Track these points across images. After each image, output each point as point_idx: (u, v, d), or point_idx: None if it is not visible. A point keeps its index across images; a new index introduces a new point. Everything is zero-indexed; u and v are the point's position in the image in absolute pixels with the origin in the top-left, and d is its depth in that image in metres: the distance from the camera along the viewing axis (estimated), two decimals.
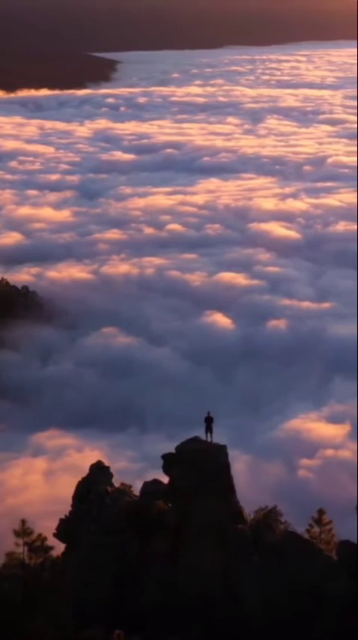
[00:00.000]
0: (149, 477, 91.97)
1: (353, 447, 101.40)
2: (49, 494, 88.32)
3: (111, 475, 49.43)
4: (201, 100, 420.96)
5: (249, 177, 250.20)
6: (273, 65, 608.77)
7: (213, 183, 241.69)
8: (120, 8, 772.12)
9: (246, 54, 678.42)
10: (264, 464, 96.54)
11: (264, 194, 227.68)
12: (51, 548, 42.81)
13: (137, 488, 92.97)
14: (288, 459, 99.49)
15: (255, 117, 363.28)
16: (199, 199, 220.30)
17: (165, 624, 40.06)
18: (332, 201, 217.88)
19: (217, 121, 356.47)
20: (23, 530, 42.06)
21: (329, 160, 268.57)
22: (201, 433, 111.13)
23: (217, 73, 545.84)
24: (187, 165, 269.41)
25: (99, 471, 49.24)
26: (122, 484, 49.58)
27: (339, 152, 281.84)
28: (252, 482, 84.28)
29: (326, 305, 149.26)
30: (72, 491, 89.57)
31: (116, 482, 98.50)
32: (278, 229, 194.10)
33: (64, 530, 45.82)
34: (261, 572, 43.56)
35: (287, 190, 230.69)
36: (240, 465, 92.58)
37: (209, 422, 49.13)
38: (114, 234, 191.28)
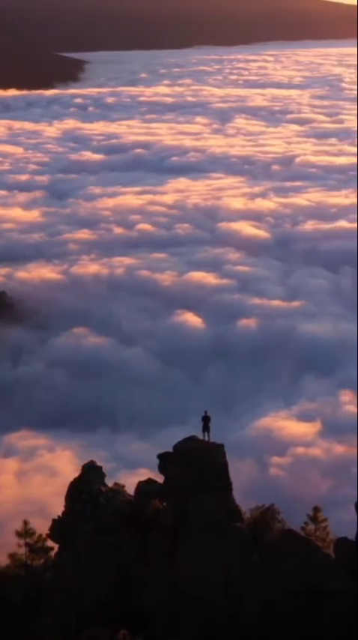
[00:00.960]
0: (121, 477, 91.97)
1: (324, 444, 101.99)
2: (21, 494, 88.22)
3: (103, 475, 49.23)
4: (169, 99, 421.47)
5: (217, 177, 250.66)
6: (241, 65, 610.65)
7: (182, 182, 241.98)
8: (88, 8, 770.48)
9: (213, 54, 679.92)
10: (235, 462, 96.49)
11: (232, 193, 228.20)
12: (51, 549, 42.69)
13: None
14: (260, 457, 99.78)
15: (223, 116, 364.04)
16: (168, 199, 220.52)
17: (164, 624, 39.96)
18: (300, 200, 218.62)
19: (186, 120, 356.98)
20: (25, 531, 41.91)
21: (298, 160, 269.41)
22: (173, 432, 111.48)
23: (185, 73, 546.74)
24: (156, 165, 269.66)
25: (91, 471, 48.95)
26: (115, 484, 49.42)
27: (307, 151, 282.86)
28: None
29: (296, 304, 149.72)
30: (44, 492, 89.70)
31: None
32: (247, 228, 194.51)
33: (57, 530, 45.52)
34: (261, 570, 43.49)
35: (256, 190, 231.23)
36: None
37: (206, 421, 49.05)
38: (83, 234, 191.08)
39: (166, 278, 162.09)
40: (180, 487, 45.71)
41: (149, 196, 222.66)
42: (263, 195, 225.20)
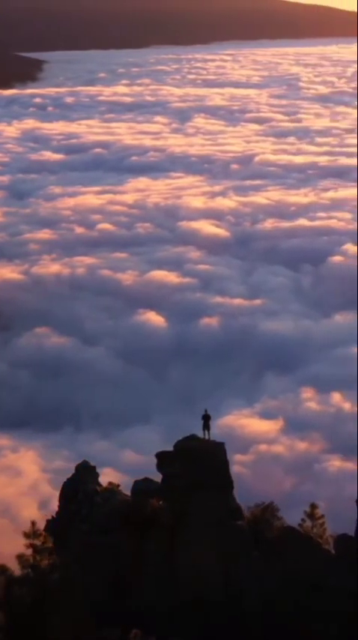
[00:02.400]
0: None
1: (286, 441, 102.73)
2: None
3: (97, 475, 49.09)
4: (128, 99, 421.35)
5: (177, 176, 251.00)
6: (199, 64, 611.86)
7: (142, 182, 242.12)
8: (45, 8, 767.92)
9: (171, 53, 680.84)
10: None
11: (192, 192, 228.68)
12: (54, 549, 42.39)
13: None
14: None
15: (182, 116, 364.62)
16: (129, 198, 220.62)
17: (164, 624, 39.85)
18: (260, 199, 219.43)
19: (145, 120, 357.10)
20: (33, 532, 41.75)
21: (257, 159, 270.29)
22: (136, 431, 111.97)
23: (144, 73, 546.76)
24: (116, 165, 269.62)
25: (84, 471, 48.77)
26: (110, 483, 49.19)
27: (266, 150, 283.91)
28: None
29: (257, 302, 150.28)
30: (8, 492, 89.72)
31: (55, 481, 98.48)
32: (207, 227, 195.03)
33: (52, 530, 45.09)
34: (262, 568, 43.39)
35: (216, 189, 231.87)
36: None
37: (206, 419, 49.01)
38: (44, 234, 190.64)
39: (128, 277, 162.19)
40: (181, 486, 45.49)
41: (109, 196, 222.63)
42: (223, 194, 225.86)
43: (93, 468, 48.90)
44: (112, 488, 48.35)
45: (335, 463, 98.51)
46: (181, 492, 45.26)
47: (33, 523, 42.07)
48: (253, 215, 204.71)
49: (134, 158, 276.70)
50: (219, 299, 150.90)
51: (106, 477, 53.29)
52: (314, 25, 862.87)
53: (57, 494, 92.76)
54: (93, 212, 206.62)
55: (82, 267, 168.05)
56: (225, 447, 47.16)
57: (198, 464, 45.82)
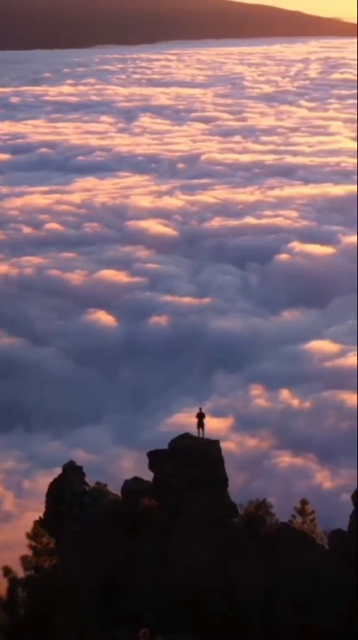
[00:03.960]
0: (37, 476, 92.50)
1: (236, 438, 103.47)
2: None
3: (83, 474, 48.82)
4: (73, 99, 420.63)
5: (124, 176, 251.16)
6: (144, 64, 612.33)
7: (89, 181, 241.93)
8: None
9: (116, 53, 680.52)
10: None
11: (140, 192, 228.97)
12: (51, 550, 42.22)
13: (26, 487, 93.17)
14: None
15: (128, 115, 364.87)
16: (76, 198, 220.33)
17: (162, 622, 39.73)
18: (207, 197, 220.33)
19: (91, 119, 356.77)
20: (36, 534, 41.58)
21: (203, 158, 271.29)
22: (88, 430, 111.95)
23: (89, 73, 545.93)
24: (62, 165, 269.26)
25: (71, 471, 48.40)
26: (97, 483, 48.98)
27: (212, 149, 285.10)
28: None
29: (206, 300, 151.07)
30: None
31: (7, 482, 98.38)
32: (155, 226, 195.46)
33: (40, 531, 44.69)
34: (259, 565, 43.43)
35: (163, 188, 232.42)
36: (127, 462, 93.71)
37: (200, 417, 49.07)
38: None
39: (77, 277, 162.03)
40: (176, 484, 45.41)
41: (56, 196, 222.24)
42: (170, 193, 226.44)
43: (80, 468, 48.44)
44: (100, 488, 48.12)
45: (285, 459, 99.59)
46: (176, 491, 45.14)
47: (36, 524, 41.99)
48: (200, 214, 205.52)
49: (80, 158, 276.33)
50: (168, 298, 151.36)
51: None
52: (258, 25, 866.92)
53: (9, 494, 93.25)
54: (40, 212, 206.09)
55: (30, 268, 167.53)
56: (219, 445, 47.22)
57: (194, 462, 45.76)
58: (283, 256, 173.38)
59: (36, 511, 48.72)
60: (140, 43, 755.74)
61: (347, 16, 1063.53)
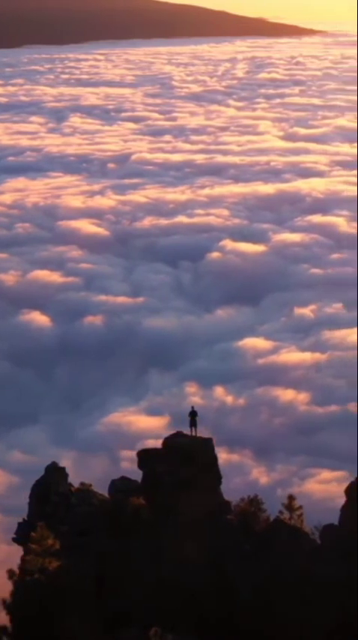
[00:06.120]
0: None
1: None
2: None
3: (67, 475, 48.32)
4: (2, 99, 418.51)
5: (55, 176, 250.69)
6: (72, 64, 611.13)
7: (20, 182, 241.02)
8: None
9: (44, 53, 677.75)
10: (88, 458, 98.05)
11: (71, 192, 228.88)
12: (56, 552, 41.92)
13: None
14: (111, 451, 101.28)
15: (58, 115, 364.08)
16: (7, 198, 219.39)
17: (160, 621, 39.63)
18: (138, 197, 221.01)
19: (21, 120, 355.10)
20: (41, 535, 41.24)
21: (134, 157, 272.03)
22: (24, 431, 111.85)
23: (17, 73, 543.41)
24: None
25: (54, 472, 47.89)
26: (81, 483, 48.48)
27: (143, 149, 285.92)
28: (79, 477, 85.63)
29: (140, 299, 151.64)
30: None
31: None
32: (88, 226, 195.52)
33: (24, 533, 44.00)
34: (254, 561, 43.49)
35: (95, 187, 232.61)
36: (64, 462, 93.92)
37: (193, 416, 49.19)
38: None
39: (10, 278, 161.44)
40: (168, 483, 45.33)
41: None
42: (101, 192, 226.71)
43: (63, 468, 48.13)
44: (86, 489, 47.74)
45: (221, 455, 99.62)
46: (169, 489, 45.10)
47: (41, 526, 41.75)
48: (132, 213, 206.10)
49: (11, 158, 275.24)
50: (102, 297, 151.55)
51: None
52: (185, 25, 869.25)
53: None
54: None
55: None
56: (213, 443, 47.44)
57: (188, 460, 45.84)
58: (215, 255, 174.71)
59: None
60: (68, 43, 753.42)
61: (272, 15, 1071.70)
